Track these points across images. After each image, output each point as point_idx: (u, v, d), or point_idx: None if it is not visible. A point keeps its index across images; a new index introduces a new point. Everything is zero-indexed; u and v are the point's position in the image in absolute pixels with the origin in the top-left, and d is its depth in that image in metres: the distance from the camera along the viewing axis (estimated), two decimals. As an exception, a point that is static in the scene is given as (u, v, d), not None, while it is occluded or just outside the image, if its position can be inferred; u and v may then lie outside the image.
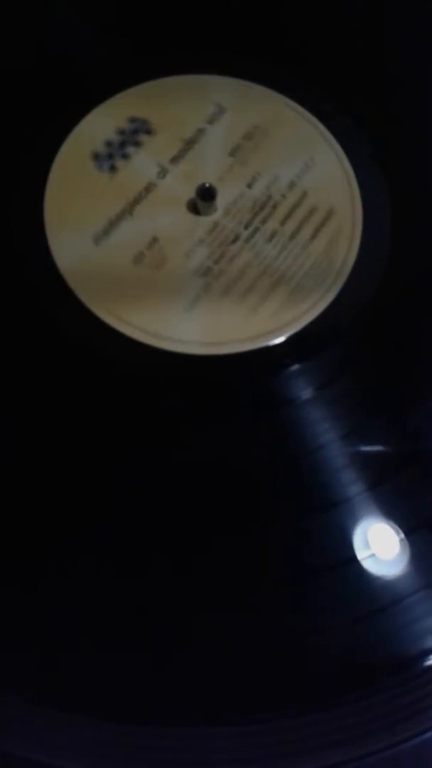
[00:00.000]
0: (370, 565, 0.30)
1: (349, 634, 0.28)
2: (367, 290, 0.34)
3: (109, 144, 0.36)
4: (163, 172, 0.36)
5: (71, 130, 0.37)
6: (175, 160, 0.36)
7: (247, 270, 0.34)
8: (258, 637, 0.28)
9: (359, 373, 0.33)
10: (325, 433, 0.31)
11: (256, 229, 0.35)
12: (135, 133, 0.37)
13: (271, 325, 0.33)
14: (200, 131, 0.37)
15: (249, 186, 0.36)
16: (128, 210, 0.35)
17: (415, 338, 0.34)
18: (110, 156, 0.36)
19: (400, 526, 0.30)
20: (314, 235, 0.35)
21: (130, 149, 0.36)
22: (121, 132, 0.37)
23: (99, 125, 0.37)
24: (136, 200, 0.35)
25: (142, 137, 0.37)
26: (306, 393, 0.32)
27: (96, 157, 0.36)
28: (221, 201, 0.36)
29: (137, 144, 0.36)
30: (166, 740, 0.27)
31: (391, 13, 0.41)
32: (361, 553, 0.30)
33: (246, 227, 0.35)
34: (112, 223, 0.35)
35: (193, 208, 0.35)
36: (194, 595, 0.29)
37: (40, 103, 0.37)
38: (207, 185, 0.35)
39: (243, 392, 0.32)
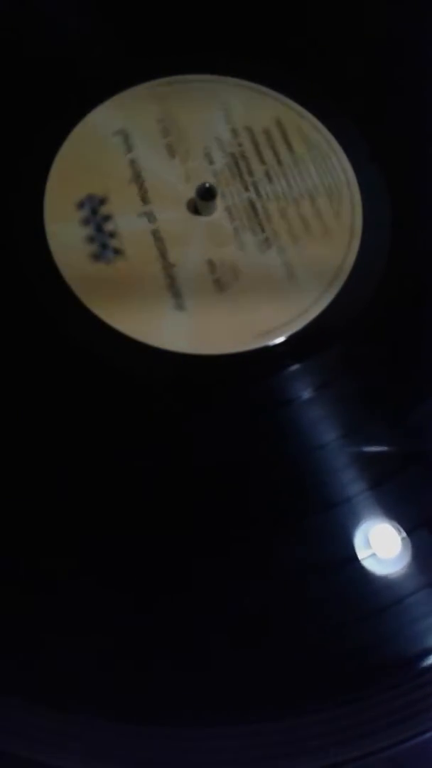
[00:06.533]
0: (370, 565, 0.29)
1: (349, 634, 0.28)
2: (367, 290, 0.34)
3: (92, 239, 0.35)
4: (150, 216, 0.35)
5: (71, 130, 0.37)
6: (145, 199, 0.36)
7: (285, 212, 0.35)
8: (258, 637, 0.28)
9: (359, 373, 0.33)
10: (326, 433, 0.31)
11: (254, 182, 0.36)
12: (95, 212, 0.35)
13: (271, 325, 0.33)
14: (133, 163, 0.36)
15: (210, 162, 0.36)
16: (168, 265, 0.34)
17: (415, 338, 0.34)
18: (104, 246, 0.35)
19: (401, 526, 0.30)
20: (290, 146, 0.37)
21: (108, 226, 0.35)
22: (87, 221, 0.35)
23: (65, 231, 0.35)
24: (164, 253, 0.34)
25: (104, 209, 0.35)
26: (306, 393, 0.32)
27: (96, 257, 0.34)
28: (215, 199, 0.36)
29: (107, 218, 0.35)
30: (167, 740, 0.27)
31: (391, 13, 0.41)
32: (361, 553, 0.30)
33: (246, 189, 0.36)
34: (170, 286, 0.34)
35: (194, 209, 0.36)
36: (194, 595, 0.29)
37: (39, 103, 0.38)
38: (207, 185, 0.35)
39: (243, 392, 0.32)
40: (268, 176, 0.36)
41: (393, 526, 0.30)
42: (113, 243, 0.35)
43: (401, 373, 0.34)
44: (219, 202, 0.36)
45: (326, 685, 0.28)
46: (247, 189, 0.36)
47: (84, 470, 0.30)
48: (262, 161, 0.37)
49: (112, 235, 0.35)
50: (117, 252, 0.34)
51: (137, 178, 0.36)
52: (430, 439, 0.32)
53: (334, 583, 0.29)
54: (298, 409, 0.32)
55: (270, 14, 0.41)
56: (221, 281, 0.34)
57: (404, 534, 0.30)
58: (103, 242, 0.35)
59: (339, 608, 0.29)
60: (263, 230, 0.35)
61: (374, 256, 0.35)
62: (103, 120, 0.37)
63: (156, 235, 0.35)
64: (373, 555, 0.30)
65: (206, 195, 0.35)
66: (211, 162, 0.37)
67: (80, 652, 0.27)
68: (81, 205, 0.35)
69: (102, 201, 0.35)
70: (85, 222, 0.35)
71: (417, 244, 0.36)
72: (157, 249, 0.35)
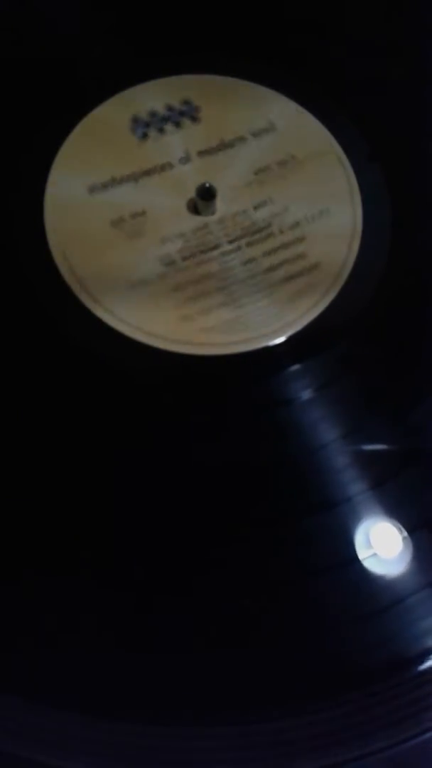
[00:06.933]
0: (372, 565, 0.29)
1: (349, 634, 0.28)
2: (367, 290, 0.34)
3: (153, 114, 0.37)
4: (186, 159, 0.37)
5: (71, 130, 0.37)
6: (203, 154, 0.37)
7: (205, 279, 0.34)
8: (258, 637, 0.28)
9: (359, 373, 0.33)
10: (326, 433, 0.31)
11: (238, 248, 0.35)
12: (182, 114, 0.38)
13: (270, 325, 0.33)
14: (241, 139, 0.37)
15: (255, 208, 0.36)
16: (135, 177, 0.36)
17: (415, 338, 0.34)
18: (147, 125, 0.37)
19: (402, 526, 0.30)
20: (287, 280, 0.35)
21: (169, 127, 0.37)
22: (170, 108, 0.38)
23: (154, 94, 0.38)
24: (148, 172, 0.36)
25: (186, 121, 0.38)
26: (306, 393, 0.32)
27: (135, 120, 0.37)
28: (222, 209, 0.36)
29: (178, 125, 0.37)
30: (167, 740, 0.27)
31: (391, 13, 0.42)
32: (363, 553, 0.30)
33: (230, 242, 0.35)
34: (114, 182, 0.36)
35: (193, 207, 0.36)
36: (195, 595, 0.29)
37: (40, 102, 0.38)
38: (207, 185, 0.35)
39: (243, 393, 0.32)
40: (249, 263, 0.35)
41: (394, 526, 0.30)
42: (153, 132, 0.37)
43: (401, 373, 0.34)
44: (211, 219, 0.35)
45: (326, 685, 0.27)
46: (230, 243, 0.35)
47: (84, 470, 0.30)
48: (266, 254, 0.35)
49: (160, 130, 0.37)
50: (144, 137, 0.37)
51: (220, 145, 0.37)
52: (430, 438, 0.32)
53: (334, 583, 0.29)
54: (298, 409, 0.32)
55: (269, 14, 0.41)
56: (120, 221, 0.35)
57: (405, 534, 0.30)
58: (149, 123, 0.37)
59: (339, 608, 0.29)
60: (182, 261, 0.34)
61: (374, 256, 0.35)
62: (278, 108, 0.38)
63: (164, 168, 0.36)
64: (374, 555, 0.30)
65: (205, 195, 0.35)
66: (256, 207, 0.36)
67: (80, 652, 0.27)
68: (185, 101, 0.38)
69: (195, 118, 0.38)
70: (169, 108, 0.38)
71: (417, 244, 0.36)
72: (153, 171, 0.36)
